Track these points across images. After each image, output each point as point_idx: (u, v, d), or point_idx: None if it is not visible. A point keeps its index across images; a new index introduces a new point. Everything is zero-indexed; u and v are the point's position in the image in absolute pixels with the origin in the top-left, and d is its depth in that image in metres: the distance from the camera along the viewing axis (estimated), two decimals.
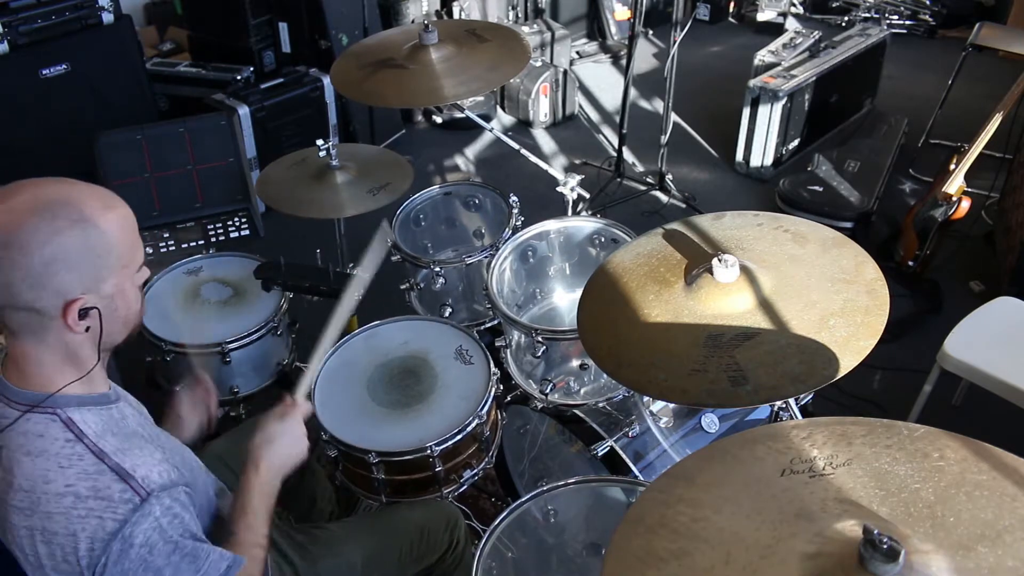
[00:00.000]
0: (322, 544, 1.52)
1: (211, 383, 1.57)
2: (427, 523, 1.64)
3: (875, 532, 0.78)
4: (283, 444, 1.35)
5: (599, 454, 1.74)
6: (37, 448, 1.06)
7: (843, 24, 5.20)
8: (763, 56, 4.01)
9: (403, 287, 2.37)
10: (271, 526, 1.31)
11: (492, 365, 1.85)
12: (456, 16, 4.41)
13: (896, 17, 5.26)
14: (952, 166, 2.88)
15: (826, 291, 1.32)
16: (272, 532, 1.40)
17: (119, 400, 1.19)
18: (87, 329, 1.08)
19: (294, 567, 1.46)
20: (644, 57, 5.08)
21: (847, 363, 1.20)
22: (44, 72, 3.09)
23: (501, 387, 1.91)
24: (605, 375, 1.93)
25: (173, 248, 3.20)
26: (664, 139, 3.58)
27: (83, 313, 1.06)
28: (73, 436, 1.07)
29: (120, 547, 1.03)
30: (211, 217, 3.36)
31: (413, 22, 4.33)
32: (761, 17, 5.42)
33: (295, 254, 2.11)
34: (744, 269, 1.34)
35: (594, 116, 4.51)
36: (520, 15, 4.93)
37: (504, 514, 1.54)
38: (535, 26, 4.59)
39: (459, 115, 4.18)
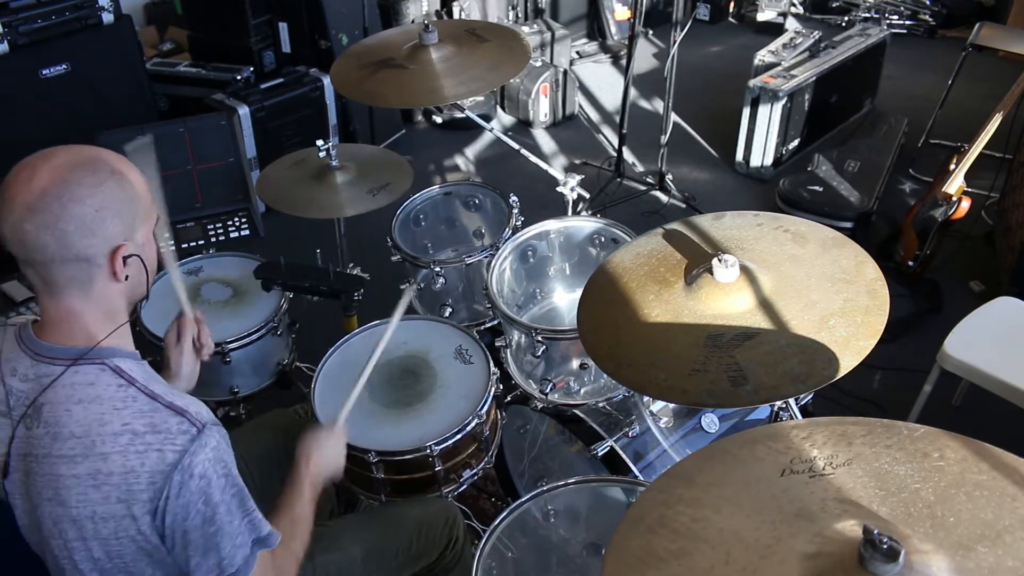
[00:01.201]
0: (321, 540, 1.53)
1: (194, 314, 1.56)
2: (426, 519, 1.64)
3: (875, 532, 0.78)
4: (330, 451, 1.48)
5: (599, 454, 1.74)
6: (89, 395, 1.10)
7: (843, 24, 5.20)
8: (763, 56, 4.02)
9: (403, 287, 2.37)
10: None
11: (492, 364, 1.85)
12: (456, 16, 4.41)
13: (896, 17, 5.26)
14: (952, 166, 2.88)
15: (826, 291, 1.32)
16: None
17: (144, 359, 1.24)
18: (127, 278, 1.14)
19: None
20: (644, 57, 5.08)
21: (847, 363, 1.20)
22: (44, 72, 3.09)
23: (501, 387, 1.91)
24: (605, 375, 1.93)
25: (173, 248, 3.20)
26: (664, 139, 3.58)
27: (124, 261, 1.13)
28: (124, 381, 1.11)
29: (180, 478, 1.07)
30: (211, 217, 3.36)
31: (413, 22, 4.34)
32: (761, 17, 5.42)
33: (295, 254, 2.11)
34: (744, 269, 1.34)
35: (594, 116, 4.51)
36: (520, 15, 4.93)
37: (504, 514, 1.54)
38: (535, 26, 4.59)
39: (459, 115, 4.18)
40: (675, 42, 3.31)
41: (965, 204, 2.86)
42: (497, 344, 2.06)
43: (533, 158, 2.55)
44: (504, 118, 4.49)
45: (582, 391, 2.02)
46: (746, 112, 3.70)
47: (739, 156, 3.85)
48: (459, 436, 1.73)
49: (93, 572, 1.14)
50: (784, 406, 1.56)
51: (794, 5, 5.41)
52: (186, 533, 1.10)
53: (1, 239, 1.08)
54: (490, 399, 1.80)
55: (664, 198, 3.67)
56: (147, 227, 1.18)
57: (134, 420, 1.08)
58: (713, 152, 4.10)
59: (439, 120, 4.32)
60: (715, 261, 1.33)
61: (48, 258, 1.08)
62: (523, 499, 1.58)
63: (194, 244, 3.28)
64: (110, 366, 1.12)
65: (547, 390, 1.94)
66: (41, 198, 1.05)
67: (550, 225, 2.23)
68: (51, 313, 1.14)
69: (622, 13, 5.20)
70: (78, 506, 1.09)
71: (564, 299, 2.33)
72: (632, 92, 3.54)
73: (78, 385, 1.10)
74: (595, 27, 5.29)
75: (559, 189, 2.41)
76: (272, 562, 1.22)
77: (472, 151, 4.18)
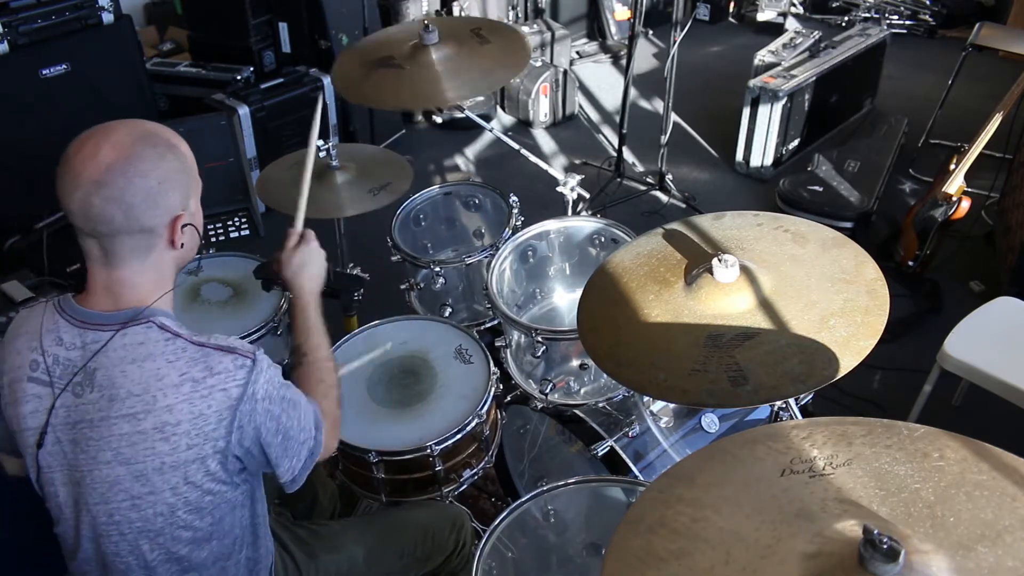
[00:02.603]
0: (324, 539, 1.53)
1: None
2: (432, 523, 1.64)
3: (875, 532, 0.78)
4: (308, 266, 1.51)
5: (599, 454, 1.74)
6: (142, 354, 1.14)
7: (843, 24, 5.20)
8: (763, 56, 4.01)
9: (403, 287, 2.37)
10: (273, 515, 1.37)
11: (492, 364, 1.85)
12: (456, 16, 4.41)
13: (896, 17, 5.26)
14: (952, 166, 2.88)
15: (826, 291, 1.32)
16: (273, 526, 1.41)
17: None
18: (182, 245, 1.20)
19: (294, 560, 1.47)
20: (644, 57, 5.08)
21: (847, 363, 1.20)
22: (44, 72, 3.08)
23: (501, 386, 1.91)
24: (605, 375, 1.93)
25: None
26: (664, 139, 3.58)
27: (181, 229, 1.18)
28: (171, 335, 1.16)
29: (249, 407, 1.14)
30: (211, 217, 3.36)
31: (414, 22, 4.33)
32: (761, 17, 5.42)
33: None
34: (744, 269, 1.34)
35: (594, 116, 4.51)
36: (520, 15, 4.93)
37: (504, 514, 1.54)
38: (535, 26, 4.59)
39: (459, 115, 4.15)
40: (675, 42, 3.31)
41: (965, 204, 2.86)
42: (497, 344, 2.06)
43: (533, 158, 2.55)
44: (504, 118, 4.49)
45: (582, 391, 2.02)
46: (746, 112, 3.70)
47: (739, 156, 3.85)
48: (459, 436, 1.73)
49: (149, 530, 1.17)
50: (784, 406, 1.56)
51: (794, 5, 5.41)
52: (261, 449, 1.18)
53: (68, 213, 1.13)
54: (490, 399, 1.80)
55: (664, 198, 3.66)
56: (197, 196, 1.24)
57: (190, 368, 1.13)
58: (713, 152, 4.10)
59: (439, 120, 4.32)
60: (715, 261, 1.33)
61: (114, 230, 1.12)
62: (523, 499, 1.58)
63: None
64: (156, 323, 1.16)
65: (547, 390, 1.94)
66: (108, 173, 1.10)
67: (550, 225, 2.22)
68: (100, 282, 1.17)
69: (622, 13, 5.20)
70: (144, 460, 1.12)
71: (564, 299, 2.33)
72: (632, 92, 3.54)
73: (129, 346, 1.14)
74: (595, 27, 5.29)
75: (559, 189, 2.41)
76: (325, 425, 1.30)
77: (472, 151, 4.18)
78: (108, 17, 3.21)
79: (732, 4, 5.69)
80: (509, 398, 2.05)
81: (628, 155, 3.76)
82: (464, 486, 1.83)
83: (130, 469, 1.13)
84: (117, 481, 1.14)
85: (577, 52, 5.10)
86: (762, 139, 3.72)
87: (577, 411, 1.87)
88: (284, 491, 1.26)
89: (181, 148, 1.21)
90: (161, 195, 1.14)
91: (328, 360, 1.41)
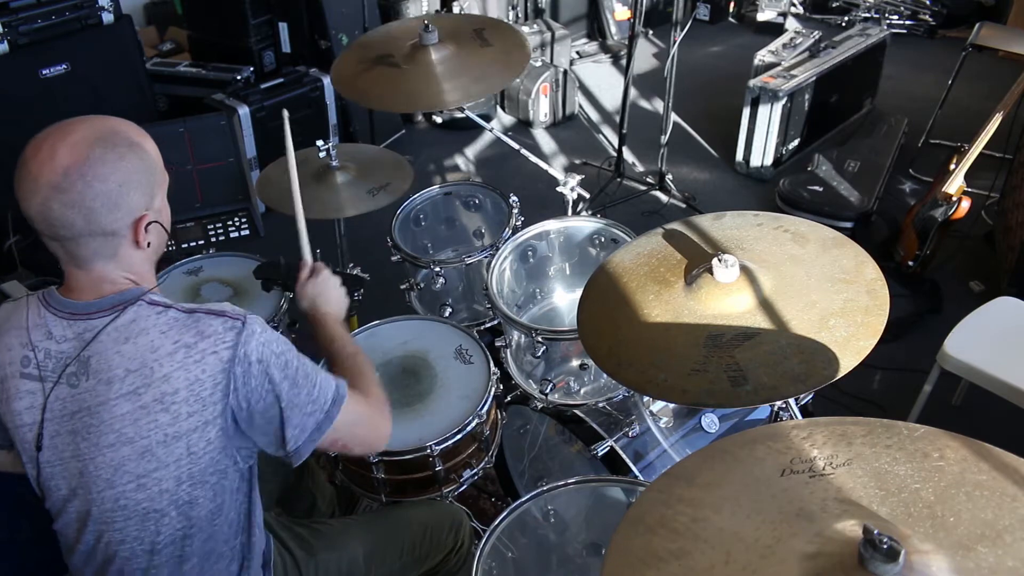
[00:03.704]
0: (323, 537, 1.53)
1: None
2: (431, 522, 1.64)
3: (875, 532, 0.78)
4: (323, 294, 1.51)
5: (599, 454, 1.74)
6: (135, 331, 1.13)
7: (843, 24, 5.20)
8: (763, 56, 4.01)
9: (403, 287, 2.37)
10: (272, 515, 1.37)
11: (492, 364, 1.85)
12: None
13: (896, 17, 5.26)
14: (952, 166, 2.88)
15: (826, 291, 1.32)
16: (273, 525, 1.40)
17: None
18: (148, 244, 1.18)
19: (294, 557, 1.47)
20: (644, 57, 5.08)
21: (847, 363, 1.20)
22: (44, 72, 3.08)
23: (501, 387, 1.91)
24: (605, 375, 1.93)
25: (173, 248, 3.20)
26: (664, 139, 3.58)
27: (146, 229, 1.16)
28: (162, 308, 1.16)
29: (242, 369, 1.13)
30: (211, 217, 3.36)
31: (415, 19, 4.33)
32: (761, 17, 5.42)
33: (295, 254, 2.10)
34: (744, 269, 1.34)
35: (594, 116, 4.51)
36: (520, 15, 4.93)
37: (504, 514, 1.54)
38: (535, 26, 4.59)
39: (459, 115, 4.16)
40: (675, 42, 3.31)
41: (965, 204, 2.86)
42: (497, 344, 2.06)
43: (533, 158, 2.55)
44: (504, 118, 4.49)
45: (582, 391, 2.02)
46: (746, 112, 3.70)
47: (739, 156, 3.85)
48: (459, 436, 1.73)
49: (154, 510, 1.17)
50: (784, 406, 1.56)
51: (794, 5, 5.41)
52: (261, 414, 1.16)
53: (28, 217, 1.11)
54: (490, 399, 1.79)
55: (664, 198, 3.67)
56: (162, 192, 1.21)
57: (182, 335, 1.12)
58: (713, 152, 4.10)
59: (439, 120, 4.32)
60: (715, 261, 1.33)
61: (75, 234, 1.11)
62: (523, 499, 1.58)
63: (194, 244, 3.28)
64: (146, 300, 1.16)
65: (547, 390, 1.94)
66: (65, 177, 1.08)
67: (550, 225, 2.22)
68: (81, 280, 1.17)
69: (622, 13, 5.20)
70: (148, 435, 1.12)
71: (564, 299, 2.33)
72: (632, 92, 3.54)
73: (120, 327, 1.13)
74: (595, 27, 5.29)
75: (559, 189, 2.41)
76: (360, 408, 1.30)
77: (472, 151, 4.18)
78: (108, 17, 3.22)
79: (732, 4, 5.69)
80: (509, 398, 2.05)
81: (628, 155, 3.76)
82: (464, 486, 1.83)
83: (135, 447, 1.12)
84: (122, 463, 1.13)
85: (577, 52, 5.10)
86: (762, 139, 3.72)
87: (577, 411, 1.87)
88: (285, 480, 1.26)
89: (144, 145, 1.17)
90: (122, 197, 1.12)
91: (358, 355, 1.42)
